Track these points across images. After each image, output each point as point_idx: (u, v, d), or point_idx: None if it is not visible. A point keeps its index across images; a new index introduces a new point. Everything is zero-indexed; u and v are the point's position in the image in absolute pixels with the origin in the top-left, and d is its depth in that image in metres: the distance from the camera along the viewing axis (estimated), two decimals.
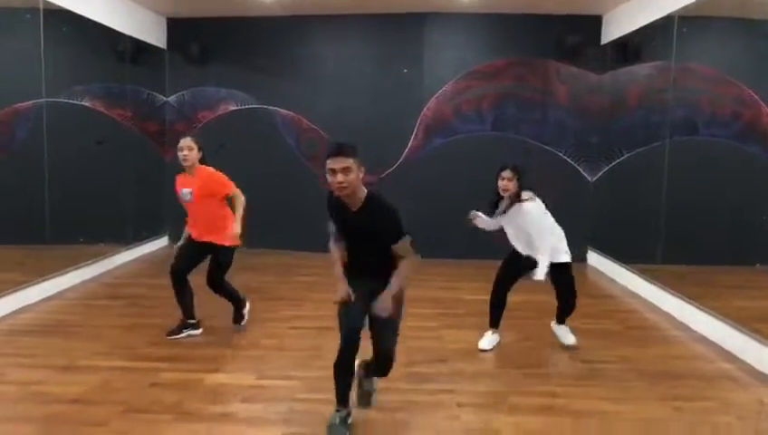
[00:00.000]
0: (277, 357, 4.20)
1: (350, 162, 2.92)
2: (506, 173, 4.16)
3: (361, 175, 3.01)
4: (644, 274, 6.11)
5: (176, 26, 8.07)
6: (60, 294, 5.69)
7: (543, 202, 4.27)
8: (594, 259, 7.53)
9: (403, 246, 3.04)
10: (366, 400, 3.39)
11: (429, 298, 5.85)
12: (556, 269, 4.30)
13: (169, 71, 8.17)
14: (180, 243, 4.60)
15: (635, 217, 6.70)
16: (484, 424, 3.26)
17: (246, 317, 4.77)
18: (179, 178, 4.57)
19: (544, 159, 7.49)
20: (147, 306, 5.30)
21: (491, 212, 4.36)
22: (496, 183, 4.22)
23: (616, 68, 7.14)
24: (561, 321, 4.55)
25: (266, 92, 7.90)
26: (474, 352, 4.39)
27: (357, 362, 3.10)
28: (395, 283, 3.02)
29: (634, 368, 4.10)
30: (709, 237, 5.74)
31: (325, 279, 6.52)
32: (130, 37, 7.37)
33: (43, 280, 5.62)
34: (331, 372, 3.04)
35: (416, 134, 7.61)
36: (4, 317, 4.94)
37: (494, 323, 4.52)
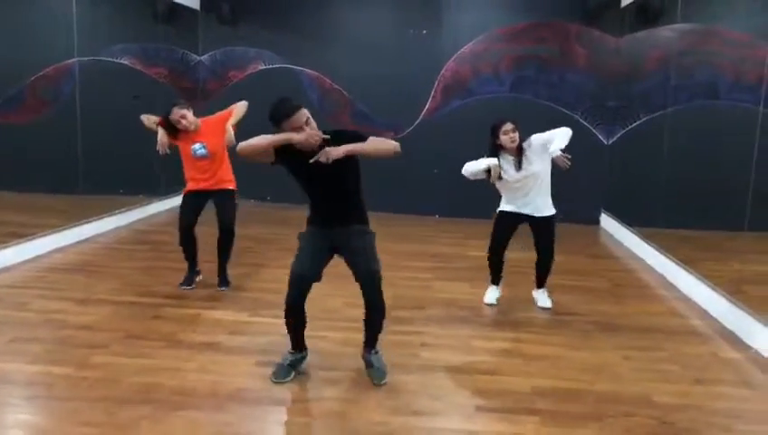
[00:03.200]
0: (274, 298, 4.52)
1: (305, 112, 3.00)
2: (509, 126, 4.17)
3: (314, 125, 3.04)
4: (649, 237, 6.20)
5: None
6: (93, 238, 6.25)
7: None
8: (607, 222, 7.61)
9: (374, 137, 3.08)
10: (378, 376, 3.28)
11: (431, 253, 6.14)
12: (541, 223, 4.42)
13: (202, 31, 8.56)
14: (181, 207, 4.74)
15: (648, 181, 6.73)
16: (440, 362, 3.56)
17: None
18: (182, 137, 4.58)
19: (561, 122, 7.52)
20: (166, 251, 5.77)
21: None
22: (494, 141, 4.23)
23: (635, 31, 7.09)
24: (540, 284, 4.64)
25: (293, 52, 8.19)
26: (456, 301, 4.67)
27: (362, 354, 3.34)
28: (358, 145, 3.00)
29: (604, 321, 4.31)
30: (725, 203, 5.75)
31: None
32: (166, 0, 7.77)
33: (79, 225, 6.18)
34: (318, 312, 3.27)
35: (434, 95, 7.78)
36: (41, 256, 5.51)
37: (497, 281, 4.69)
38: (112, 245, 6.08)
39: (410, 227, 7.39)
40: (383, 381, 3.25)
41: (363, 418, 2.93)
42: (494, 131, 4.23)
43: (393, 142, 3.12)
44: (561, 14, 7.44)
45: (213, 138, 4.60)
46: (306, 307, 3.26)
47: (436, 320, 4.25)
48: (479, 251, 6.07)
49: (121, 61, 8.05)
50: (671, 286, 5.24)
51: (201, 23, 8.53)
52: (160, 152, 4.59)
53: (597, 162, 7.58)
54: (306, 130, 2.99)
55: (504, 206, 4.48)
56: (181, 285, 4.77)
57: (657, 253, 5.83)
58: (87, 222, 6.34)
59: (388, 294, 4.50)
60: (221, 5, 8.23)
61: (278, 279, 5.02)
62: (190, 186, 4.72)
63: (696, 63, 5.89)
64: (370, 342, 3.38)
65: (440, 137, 7.66)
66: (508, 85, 7.63)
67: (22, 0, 7.25)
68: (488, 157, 4.27)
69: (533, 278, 4.68)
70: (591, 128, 7.63)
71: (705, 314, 4.52)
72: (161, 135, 4.56)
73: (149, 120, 4.72)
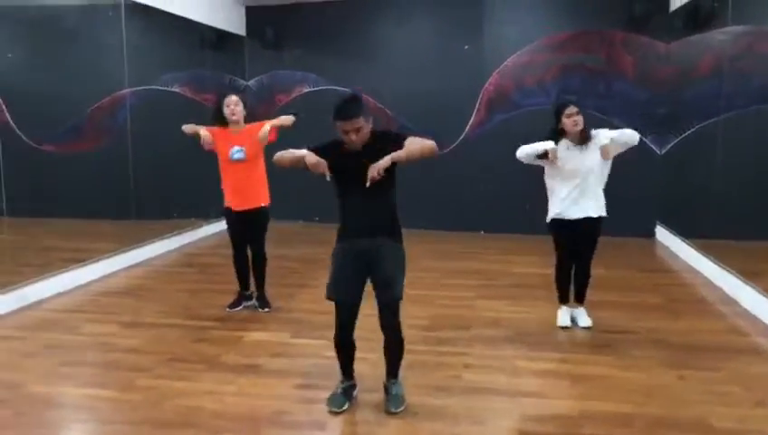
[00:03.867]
0: (316, 320, 4.54)
1: (360, 122, 2.93)
2: (573, 109, 4.01)
3: (370, 125, 3.00)
4: (707, 250, 5.91)
5: (253, 14, 8.60)
6: (145, 262, 6.41)
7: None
8: (662, 234, 7.33)
9: (412, 138, 3.02)
10: (395, 404, 3.16)
11: (475, 270, 6.03)
12: (590, 223, 4.21)
13: (249, 56, 8.74)
14: (228, 228, 4.76)
15: (705, 190, 6.44)
16: (484, 384, 3.46)
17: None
18: (220, 133, 4.56)
19: None
20: (214, 274, 5.87)
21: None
22: (557, 124, 4.09)
23: (685, 36, 6.85)
24: (579, 300, 4.44)
25: (336, 74, 8.25)
26: (500, 320, 4.55)
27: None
28: (402, 151, 2.95)
29: (656, 339, 4.11)
30: None
31: None
32: (213, 27, 7.98)
33: (132, 249, 6.36)
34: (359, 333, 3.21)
35: (478, 109, 7.71)
36: (96, 280, 5.68)
37: (566, 299, 4.44)
38: (162, 268, 6.23)
39: (454, 243, 7.30)
40: (399, 409, 3.11)
41: None
42: (558, 114, 4.07)
43: (430, 141, 3.04)
44: (607, 21, 7.27)
45: (252, 143, 4.57)
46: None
47: (479, 340, 4.15)
48: (523, 267, 6.01)
49: (172, 89, 8.32)
50: (732, 301, 4.97)
51: (247, 48, 8.72)
52: (206, 148, 4.56)
53: (650, 173, 7.33)
54: (352, 137, 2.94)
55: (554, 211, 4.23)
56: (229, 307, 4.82)
57: (715, 266, 5.56)
58: (139, 246, 6.51)
59: (429, 313, 4.50)
60: (266, 31, 8.40)
61: (321, 300, 4.95)
62: (228, 200, 4.67)
63: (751, 67, 5.63)
64: (389, 369, 3.25)
65: (485, 151, 7.56)
66: (554, 96, 7.48)
67: (77, 35, 7.59)
68: (546, 138, 4.09)
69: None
70: (643, 137, 7.36)
71: None
72: (204, 132, 4.54)
73: (192, 128, 4.65)
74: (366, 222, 3.12)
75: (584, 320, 4.38)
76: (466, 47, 7.72)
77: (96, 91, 7.74)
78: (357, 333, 3.22)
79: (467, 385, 3.45)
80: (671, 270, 6.07)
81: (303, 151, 3.04)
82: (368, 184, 2.93)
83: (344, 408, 3.15)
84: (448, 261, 6.45)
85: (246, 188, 4.60)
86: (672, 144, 7.20)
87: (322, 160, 2.97)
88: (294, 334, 4.26)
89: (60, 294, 5.20)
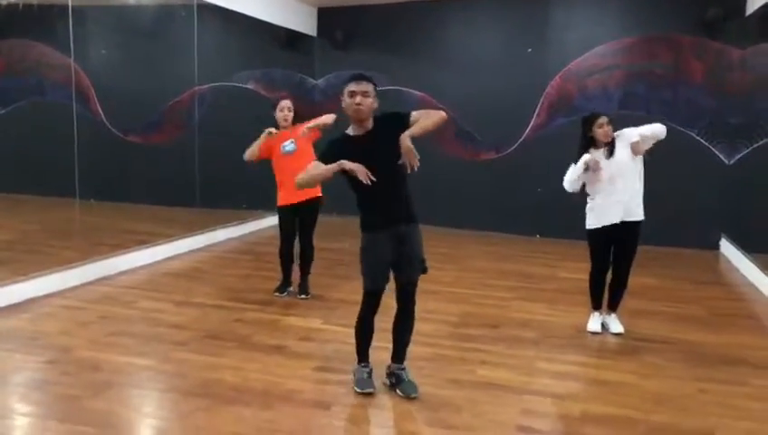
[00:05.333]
0: (348, 309, 4.70)
1: (369, 88, 3.07)
2: (604, 119, 4.08)
3: (375, 105, 3.12)
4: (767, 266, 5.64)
5: (324, 15, 8.91)
6: (206, 247, 6.82)
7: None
8: (727, 248, 7.01)
9: (418, 112, 3.12)
10: (412, 389, 3.26)
11: (521, 272, 6.03)
12: (628, 228, 4.17)
13: (318, 56, 9.06)
14: (281, 221, 5.04)
15: None
16: (495, 381, 3.51)
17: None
18: (271, 141, 4.84)
19: (676, 141, 7.10)
20: (266, 262, 6.16)
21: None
22: (587, 135, 4.14)
23: (762, 41, 6.52)
24: (613, 308, 4.38)
25: (400, 74, 8.41)
26: (530, 321, 4.57)
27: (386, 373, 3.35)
28: (420, 125, 3.04)
29: (687, 350, 4.01)
30: None
31: (426, 250, 6.97)
32: (285, 28, 8.34)
33: (195, 235, 6.79)
34: (385, 325, 3.37)
35: (538, 113, 7.65)
36: (159, 261, 6.13)
37: (599, 306, 4.41)
38: (221, 254, 6.61)
39: (508, 246, 7.29)
40: (417, 393, 3.23)
41: (398, 426, 3.00)
42: (588, 125, 4.13)
43: (440, 112, 3.15)
44: (676, 26, 7.04)
45: (302, 141, 4.82)
46: (375, 319, 3.38)
47: (504, 339, 4.19)
48: (571, 273, 5.93)
49: (247, 86, 8.76)
50: None
51: (317, 48, 9.03)
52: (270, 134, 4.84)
53: (717, 183, 7.04)
54: (357, 99, 3.05)
55: (593, 220, 4.25)
56: (275, 291, 5.09)
57: None
58: (203, 232, 6.94)
59: (462, 310, 4.60)
60: (335, 32, 8.69)
61: (355, 290, 5.20)
62: (282, 197, 4.94)
63: None
64: (401, 354, 3.37)
65: (544, 155, 7.49)
66: (616, 102, 7.31)
67: (163, 33, 8.15)
68: (578, 152, 4.15)
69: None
70: (711, 147, 7.10)
71: None
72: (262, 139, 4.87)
73: (251, 152, 4.96)
74: (395, 209, 3.20)
75: (616, 326, 4.33)
76: (529, 50, 7.69)
77: (175, 86, 8.29)
78: (380, 324, 3.37)
79: (479, 380, 3.52)
80: (727, 284, 5.83)
81: (330, 167, 3.07)
82: (410, 171, 3.05)
83: (375, 388, 3.29)
84: (497, 262, 6.47)
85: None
86: (742, 154, 6.87)
87: (361, 166, 2.99)
88: (325, 321, 4.46)
89: (124, 272, 5.65)
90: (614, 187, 4.12)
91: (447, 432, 2.92)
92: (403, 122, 3.08)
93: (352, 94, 3.07)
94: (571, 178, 4.20)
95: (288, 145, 4.84)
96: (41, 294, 4.86)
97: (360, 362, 3.41)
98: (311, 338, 4.15)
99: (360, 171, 2.99)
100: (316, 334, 4.22)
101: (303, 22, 8.72)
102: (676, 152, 7.12)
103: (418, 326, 4.32)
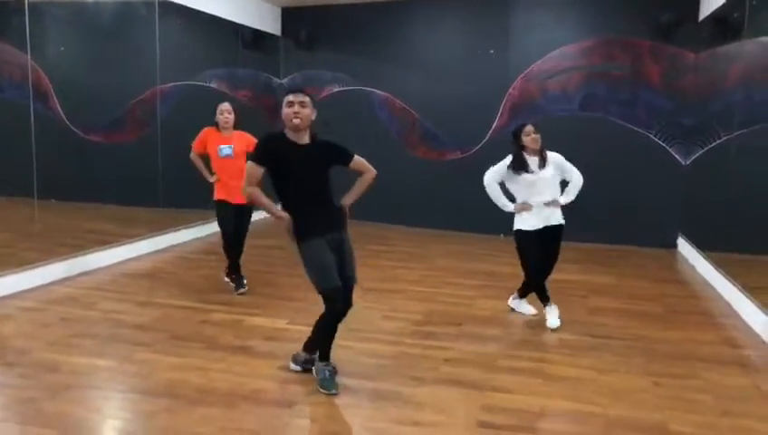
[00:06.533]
0: (316, 309, 4.70)
1: (306, 99, 3.28)
2: (530, 127, 4.42)
3: (313, 117, 3.32)
4: (720, 263, 5.83)
5: (289, 15, 8.89)
6: (168, 248, 6.75)
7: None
8: (684, 246, 7.22)
9: (359, 160, 3.49)
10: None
11: (484, 271, 6.13)
12: (554, 232, 4.50)
13: (283, 56, 9.04)
14: (224, 220, 5.16)
15: (728, 203, 6.33)
16: (457, 377, 3.58)
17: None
18: (209, 135, 5.10)
19: (634, 141, 7.32)
20: None
21: (522, 169, 4.44)
22: (518, 143, 4.45)
23: (714, 46, 6.75)
24: (524, 295, 4.76)
25: (365, 74, 8.46)
26: (494, 319, 4.66)
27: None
28: (352, 194, 3.49)
29: (643, 346, 4.13)
30: None
31: (390, 249, 7.04)
32: (250, 27, 8.28)
33: (158, 235, 6.71)
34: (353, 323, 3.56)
35: (501, 114, 7.77)
36: (121, 262, 6.05)
37: (548, 299, 4.60)
38: (184, 254, 6.55)
39: (470, 245, 7.38)
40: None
41: (362, 424, 3.03)
42: (517, 136, 4.46)
43: (372, 171, 3.57)
44: (633, 30, 7.21)
45: (240, 145, 5.02)
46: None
47: (467, 336, 4.26)
48: None
49: (210, 85, 8.68)
50: (735, 315, 4.93)
51: (282, 48, 9.01)
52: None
53: (673, 183, 7.26)
54: (295, 108, 3.24)
55: (521, 222, 4.52)
56: (236, 289, 5.12)
57: (725, 280, 5.49)
58: (165, 233, 6.86)
59: (425, 308, 4.68)
60: (299, 32, 8.68)
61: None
62: (220, 193, 5.13)
63: None
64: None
65: (507, 155, 7.60)
66: (577, 103, 7.48)
67: (120, 32, 8.01)
68: (514, 161, 4.47)
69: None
70: (667, 147, 7.31)
71: (762, 345, 4.22)
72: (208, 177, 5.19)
73: (199, 163, 5.24)
74: (326, 218, 3.38)
75: (528, 309, 4.78)
76: (492, 52, 7.80)
77: (137, 85, 8.18)
78: (351, 324, 3.59)
79: (442, 377, 3.58)
80: (684, 282, 6.01)
81: (277, 210, 3.35)
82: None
83: (339, 388, 3.35)
84: (460, 261, 6.55)
85: (233, 181, 4.91)
86: (697, 155, 7.09)
87: (290, 219, 3.30)
88: (290, 322, 4.46)
89: (85, 273, 5.56)
90: (537, 191, 4.44)
91: (412, 429, 2.97)
92: (345, 160, 3.46)
93: (290, 104, 3.25)
94: (491, 195, 4.60)
95: (225, 149, 5.05)
96: (0, 295, 4.75)
97: (320, 359, 3.46)
98: (275, 338, 4.15)
99: (284, 223, 3.32)
100: (281, 334, 4.22)
101: (268, 21, 8.68)
102: (634, 153, 7.36)
103: (384, 325, 4.42)
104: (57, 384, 3.32)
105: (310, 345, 3.54)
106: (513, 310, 4.83)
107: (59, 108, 8.20)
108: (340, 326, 3.48)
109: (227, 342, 4.05)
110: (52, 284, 5.20)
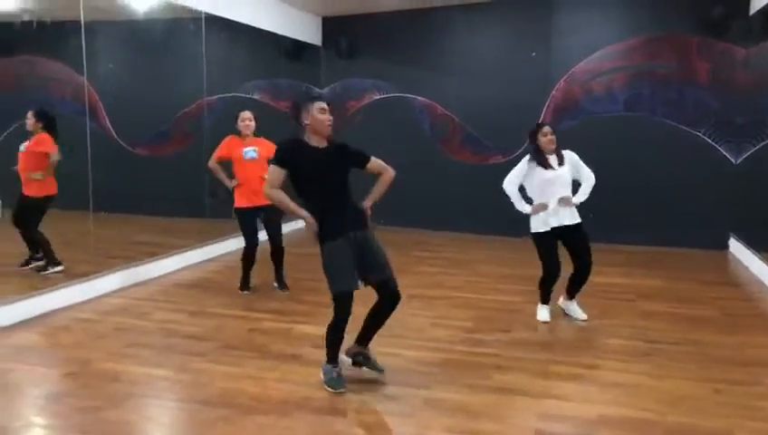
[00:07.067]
0: (359, 316, 4.76)
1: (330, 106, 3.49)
2: (547, 129, 4.55)
3: None
4: None
5: (329, 24, 8.98)
6: (218, 257, 6.87)
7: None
8: (736, 247, 7.02)
9: (376, 162, 3.56)
10: (377, 365, 3.62)
11: (531, 276, 6.00)
12: (570, 231, 4.53)
13: (323, 66, 9.12)
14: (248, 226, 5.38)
15: None
16: (511, 385, 3.54)
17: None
18: (232, 142, 5.34)
19: (681, 141, 7.15)
20: None
21: (543, 162, 4.54)
22: (535, 142, 4.56)
23: (766, 40, 6.55)
24: (572, 296, 4.73)
25: (405, 81, 8.49)
26: (543, 325, 4.61)
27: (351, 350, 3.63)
28: (373, 195, 3.55)
29: (699, 351, 4.03)
30: None
31: (434, 255, 7.03)
32: (291, 38, 8.39)
33: (207, 245, 6.84)
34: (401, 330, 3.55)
35: (544, 116, 7.68)
36: (171, 272, 6.19)
37: (548, 300, 4.77)
38: (231, 263, 6.62)
39: (515, 250, 7.27)
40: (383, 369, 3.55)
41: (417, 433, 3.02)
42: (533, 137, 4.57)
43: (390, 171, 3.59)
44: (679, 27, 7.07)
45: (264, 150, 5.21)
46: (386, 326, 3.62)
47: (517, 343, 4.22)
48: None
49: (253, 96, 8.84)
50: None
51: (322, 58, 9.10)
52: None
53: (724, 182, 7.06)
54: (330, 116, 3.47)
55: (537, 223, 4.58)
56: (240, 289, 5.46)
57: None
58: (213, 243, 6.99)
59: (474, 315, 4.65)
60: (340, 41, 8.75)
61: (374, 299, 5.25)
62: (241, 199, 5.32)
63: None
64: (368, 338, 3.63)
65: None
66: (622, 103, 7.35)
67: (165, 47, 8.22)
68: (530, 159, 4.56)
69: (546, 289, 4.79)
70: (717, 146, 7.12)
71: None
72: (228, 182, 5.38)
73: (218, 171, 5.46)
74: (348, 218, 3.45)
75: (581, 314, 4.73)
76: (534, 54, 7.73)
77: (184, 98, 8.38)
78: (400, 331, 3.81)
79: (495, 385, 3.55)
80: (737, 284, 5.84)
81: (302, 211, 3.43)
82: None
83: (346, 386, 3.44)
84: (506, 267, 6.50)
85: (253, 184, 5.19)
86: (749, 153, 6.89)
87: (314, 222, 3.39)
88: None
89: (136, 284, 5.70)
90: (552, 191, 4.52)
91: None
92: (362, 162, 3.54)
93: (324, 111, 3.43)
94: (511, 194, 4.65)
95: (250, 152, 5.28)
96: (56, 307, 4.91)
97: (329, 362, 3.54)
98: (323, 346, 4.16)
99: (310, 226, 3.42)
100: None
101: (308, 32, 8.78)
102: (682, 152, 7.19)
103: (434, 332, 4.41)
104: (118, 394, 3.41)
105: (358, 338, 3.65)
106: (564, 311, 4.82)
107: (108, 122, 8.47)
108: (386, 332, 3.45)
109: (278, 350, 4.09)
110: (105, 295, 5.34)
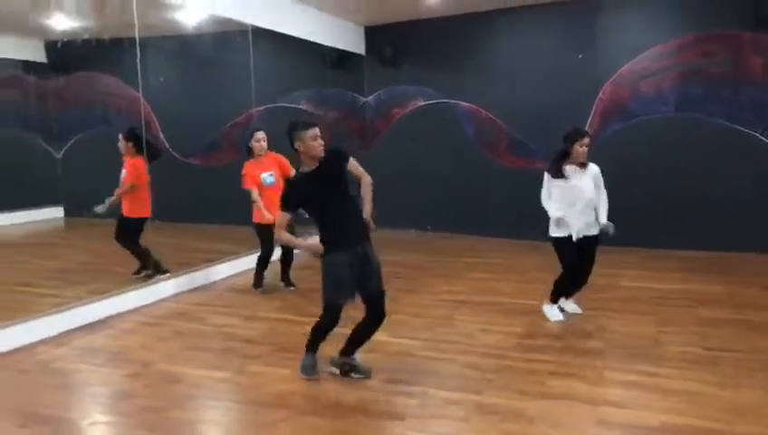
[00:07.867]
0: (414, 322, 4.81)
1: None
2: (587, 140, 4.51)
3: None
4: None
5: (372, 33, 9.04)
6: (271, 263, 6.97)
7: None
8: None
9: (353, 163, 3.66)
10: (366, 370, 3.75)
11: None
12: (586, 240, 4.64)
13: (367, 74, 9.20)
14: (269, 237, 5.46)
15: None
16: (566, 391, 3.50)
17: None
18: (252, 166, 5.52)
19: (738, 141, 6.95)
20: None
21: (560, 174, 4.58)
22: (570, 148, 4.51)
23: None
24: (568, 296, 4.89)
25: (449, 87, 8.48)
26: (597, 331, 4.53)
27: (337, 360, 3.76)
28: (367, 206, 3.68)
29: (764, 359, 3.90)
30: None
31: (483, 261, 7.00)
32: (335, 48, 8.50)
33: (255, 252, 6.91)
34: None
35: (591, 119, 7.58)
36: (223, 279, 6.34)
37: (557, 299, 4.86)
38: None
39: None
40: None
41: None
42: (572, 139, 4.50)
43: (368, 178, 3.71)
44: (731, 22, 6.86)
45: (277, 169, 5.57)
46: (437, 331, 3.79)
47: (570, 350, 4.17)
48: (632, 281, 5.88)
49: (300, 106, 9.00)
50: None
51: (366, 66, 9.17)
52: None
53: None
54: (321, 141, 3.55)
55: (557, 230, 4.67)
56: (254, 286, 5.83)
57: None
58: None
59: (526, 321, 4.63)
60: (383, 49, 8.80)
61: (424, 304, 5.28)
62: (258, 215, 5.57)
63: None
64: (353, 350, 3.75)
65: (600, 162, 7.38)
66: (672, 104, 7.20)
67: (220, 59, 8.45)
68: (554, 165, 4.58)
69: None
70: None
71: None
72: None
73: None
74: (354, 230, 3.60)
75: (574, 307, 4.92)
76: (580, 56, 7.64)
77: (232, 109, 8.59)
78: (451, 337, 4.00)
79: (550, 391, 3.52)
80: None
81: (306, 243, 3.75)
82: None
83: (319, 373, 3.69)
84: (556, 273, 6.40)
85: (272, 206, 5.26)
86: None
87: (320, 247, 3.54)
88: (390, 334, 4.49)
89: (194, 289, 5.86)
90: (572, 200, 4.57)
91: None
92: (345, 161, 3.63)
93: (316, 138, 3.51)
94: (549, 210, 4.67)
95: (268, 178, 5.56)
96: (121, 311, 5.12)
97: (308, 350, 3.75)
98: (376, 350, 4.19)
99: (317, 251, 3.59)
100: (383, 347, 4.26)
101: (352, 41, 8.87)
102: (738, 153, 6.98)
103: (485, 338, 4.39)
104: (180, 395, 3.52)
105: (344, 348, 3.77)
106: (562, 310, 4.88)
107: (161, 134, 8.74)
108: (439, 337, 3.47)
109: (327, 352, 4.13)
110: (164, 300, 5.52)
